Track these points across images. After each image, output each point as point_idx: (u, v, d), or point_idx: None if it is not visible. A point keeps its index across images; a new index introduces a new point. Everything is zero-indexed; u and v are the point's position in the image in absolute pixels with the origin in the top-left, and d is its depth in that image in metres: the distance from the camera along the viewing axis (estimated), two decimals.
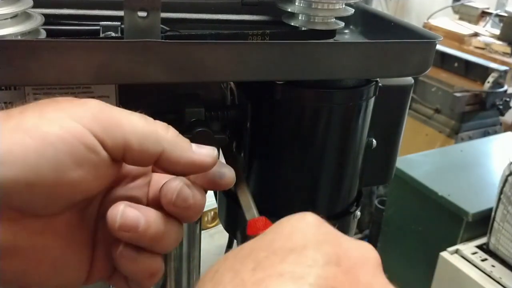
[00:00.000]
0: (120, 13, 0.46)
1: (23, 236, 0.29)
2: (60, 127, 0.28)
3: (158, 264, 0.33)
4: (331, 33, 0.47)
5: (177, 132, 0.32)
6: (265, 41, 0.45)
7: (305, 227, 0.26)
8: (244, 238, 0.37)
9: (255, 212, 0.39)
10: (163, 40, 0.36)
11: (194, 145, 0.33)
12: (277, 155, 0.46)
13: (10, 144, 0.26)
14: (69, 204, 0.30)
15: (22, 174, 0.26)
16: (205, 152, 0.33)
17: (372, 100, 0.47)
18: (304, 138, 0.45)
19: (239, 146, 0.47)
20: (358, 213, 0.52)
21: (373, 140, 0.50)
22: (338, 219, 0.48)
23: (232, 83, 0.46)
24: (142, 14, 0.36)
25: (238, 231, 0.39)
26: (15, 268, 0.29)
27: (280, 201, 0.42)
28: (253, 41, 0.44)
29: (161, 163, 0.31)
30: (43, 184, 0.27)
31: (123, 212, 0.30)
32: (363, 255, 0.26)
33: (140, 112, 0.33)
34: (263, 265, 0.24)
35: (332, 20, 0.47)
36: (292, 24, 0.47)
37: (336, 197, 0.50)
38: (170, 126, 0.32)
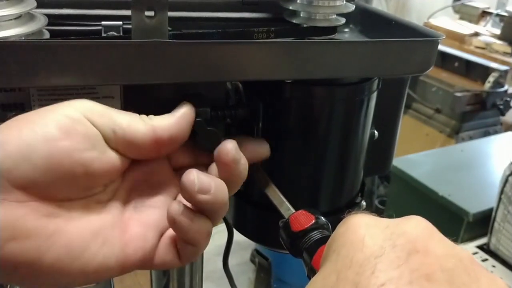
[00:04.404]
0: (121, 12, 0.46)
1: (31, 219, 0.30)
2: (52, 112, 0.31)
3: (211, 225, 0.35)
4: (333, 29, 0.48)
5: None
6: (278, 40, 0.45)
7: (368, 230, 0.27)
8: (289, 236, 0.37)
9: (290, 207, 0.40)
10: (176, 41, 0.36)
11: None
12: (289, 151, 0.47)
13: (6, 129, 0.30)
14: (73, 182, 0.31)
15: (16, 150, 0.29)
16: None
17: (376, 93, 0.47)
18: (314, 133, 0.45)
19: None
20: (363, 203, 0.53)
21: (375, 131, 0.51)
22: (347, 210, 0.49)
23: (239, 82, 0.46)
24: (149, 13, 0.36)
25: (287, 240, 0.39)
26: (26, 252, 0.29)
27: (294, 195, 0.42)
28: (266, 40, 0.44)
29: (158, 133, 0.34)
30: (37, 155, 0.30)
31: (199, 177, 0.33)
32: (422, 229, 0.27)
33: (144, 113, 0.35)
34: (361, 284, 0.24)
35: (333, 16, 0.48)
36: (294, 21, 0.48)
37: (346, 188, 0.50)
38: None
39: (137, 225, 0.35)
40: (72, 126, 0.31)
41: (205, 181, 0.33)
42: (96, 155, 0.32)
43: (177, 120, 0.35)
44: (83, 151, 0.31)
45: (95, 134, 0.32)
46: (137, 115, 0.34)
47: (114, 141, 0.33)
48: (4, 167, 0.29)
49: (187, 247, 0.35)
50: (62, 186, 0.31)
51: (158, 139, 0.34)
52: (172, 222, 0.34)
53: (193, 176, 0.33)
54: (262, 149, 0.42)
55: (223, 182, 0.35)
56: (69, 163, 0.30)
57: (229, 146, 0.36)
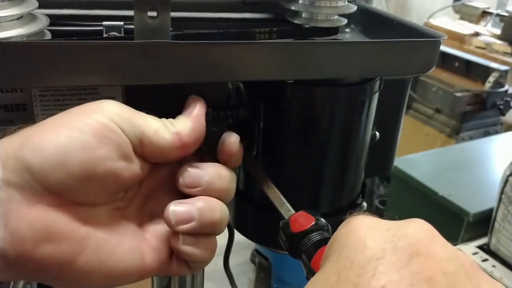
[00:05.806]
0: (122, 12, 0.46)
1: (64, 222, 0.30)
2: (85, 116, 0.31)
3: (215, 240, 0.36)
4: (335, 30, 0.48)
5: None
6: (280, 40, 0.45)
7: (369, 232, 0.27)
8: (288, 237, 0.37)
9: (290, 208, 0.40)
10: (179, 41, 0.36)
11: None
12: (290, 152, 0.47)
13: (42, 132, 0.30)
14: (103, 188, 0.32)
15: (54, 155, 0.29)
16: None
17: (377, 94, 0.47)
18: (315, 134, 0.45)
19: (248, 145, 0.48)
20: (364, 204, 0.53)
21: (376, 132, 0.51)
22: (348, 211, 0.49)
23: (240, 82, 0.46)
24: (152, 14, 0.36)
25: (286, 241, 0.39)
26: (60, 254, 0.30)
27: (294, 196, 0.42)
28: (268, 40, 0.44)
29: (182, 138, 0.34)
30: (74, 162, 0.30)
31: (174, 211, 0.33)
32: (424, 232, 0.27)
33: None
34: (362, 286, 0.24)
35: (335, 17, 0.48)
36: (296, 22, 0.48)
37: (347, 189, 0.50)
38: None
39: (154, 237, 0.35)
40: (106, 135, 0.31)
41: (182, 212, 0.33)
42: (126, 163, 0.32)
43: (196, 120, 0.36)
44: (116, 160, 0.31)
45: (126, 143, 0.32)
46: (159, 120, 0.35)
47: (140, 149, 0.33)
48: (40, 172, 0.29)
49: (195, 263, 0.36)
50: (91, 192, 0.31)
51: (184, 145, 0.35)
52: (176, 251, 0.35)
53: (168, 212, 0.33)
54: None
55: (213, 200, 0.35)
56: (103, 171, 0.31)
57: (233, 139, 0.37)
